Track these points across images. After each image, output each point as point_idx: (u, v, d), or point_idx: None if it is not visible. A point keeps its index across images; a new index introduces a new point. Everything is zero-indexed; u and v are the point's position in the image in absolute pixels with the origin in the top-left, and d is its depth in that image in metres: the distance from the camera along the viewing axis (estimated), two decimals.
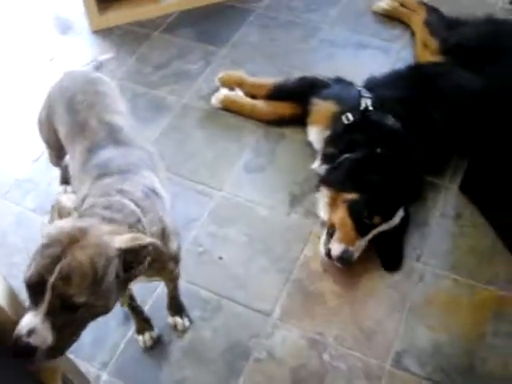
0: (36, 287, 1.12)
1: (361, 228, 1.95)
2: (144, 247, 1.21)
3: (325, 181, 2.09)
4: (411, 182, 2.05)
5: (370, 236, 1.96)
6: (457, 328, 1.88)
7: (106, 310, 1.20)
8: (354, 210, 1.96)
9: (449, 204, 2.19)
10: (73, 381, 1.49)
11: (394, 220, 1.98)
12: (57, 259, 1.12)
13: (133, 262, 1.22)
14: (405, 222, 2.05)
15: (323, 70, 2.59)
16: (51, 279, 1.11)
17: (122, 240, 1.19)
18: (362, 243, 1.96)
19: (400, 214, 1.99)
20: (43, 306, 1.11)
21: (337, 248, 1.94)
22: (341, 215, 1.98)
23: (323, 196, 2.08)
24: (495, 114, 2.06)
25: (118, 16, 2.92)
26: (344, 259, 1.93)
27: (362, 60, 2.70)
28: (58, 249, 1.14)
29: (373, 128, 2.08)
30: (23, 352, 1.10)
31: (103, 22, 2.91)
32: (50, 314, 1.11)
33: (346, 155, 2.06)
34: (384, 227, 1.97)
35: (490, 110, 2.10)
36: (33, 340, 1.09)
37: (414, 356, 1.82)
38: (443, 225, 2.14)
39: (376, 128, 2.08)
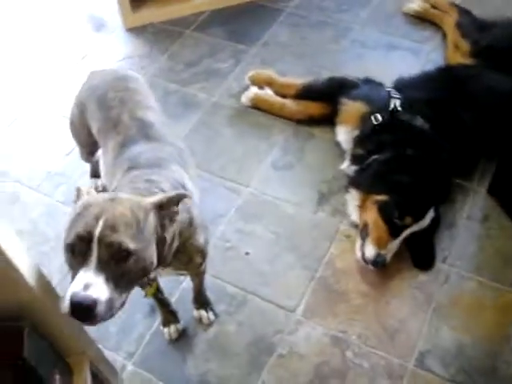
0: (82, 244, 1.13)
1: (392, 229, 1.95)
2: (172, 200, 1.26)
3: (354, 182, 2.10)
4: (440, 183, 2.05)
5: (402, 237, 1.96)
6: (480, 330, 1.87)
7: (150, 266, 1.22)
8: (384, 212, 1.96)
9: (476, 206, 2.19)
10: (100, 369, 1.53)
11: (425, 220, 1.98)
12: (98, 215, 1.16)
13: (165, 218, 1.26)
14: (436, 222, 2.05)
15: (353, 70, 2.60)
16: (97, 231, 1.13)
17: (151, 198, 1.25)
18: (394, 245, 1.96)
19: (430, 214, 1.99)
20: (93, 260, 1.12)
21: (370, 251, 1.95)
22: (372, 217, 1.99)
23: (353, 198, 2.09)
24: None
25: (151, 14, 2.97)
26: (378, 262, 1.94)
27: (391, 61, 2.70)
28: (97, 208, 1.17)
29: (401, 129, 2.09)
30: (83, 308, 1.09)
31: (136, 19, 2.96)
32: (102, 267, 1.12)
33: (375, 156, 2.07)
34: (415, 228, 1.97)
35: None
36: (91, 292, 1.09)
37: (437, 357, 1.82)
38: (470, 227, 2.13)
39: (405, 129, 2.09)
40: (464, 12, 2.72)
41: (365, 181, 2.06)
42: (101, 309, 1.10)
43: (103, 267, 1.12)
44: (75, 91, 1.89)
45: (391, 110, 2.12)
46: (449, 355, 1.82)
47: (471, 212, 2.17)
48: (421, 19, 2.88)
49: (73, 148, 2.38)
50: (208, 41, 2.87)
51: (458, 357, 1.82)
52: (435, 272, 2.02)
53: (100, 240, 1.13)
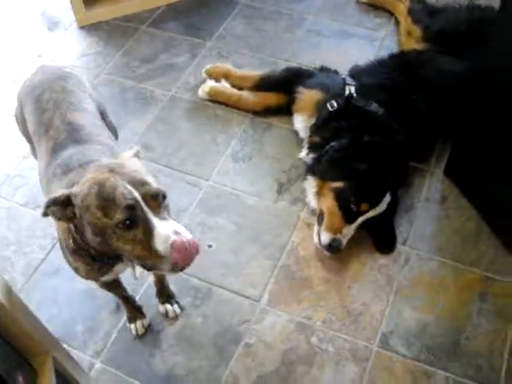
0: (133, 211, 1.22)
1: (348, 215, 1.98)
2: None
3: (311, 170, 2.12)
4: (396, 168, 2.07)
5: (357, 223, 1.99)
6: (442, 309, 1.91)
7: None
8: (341, 199, 1.99)
9: (434, 188, 2.23)
10: (66, 369, 1.52)
11: (381, 206, 2.01)
12: (121, 183, 1.24)
13: None
14: (394, 205, 2.09)
15: (309, 60, 2.63)
16: (136, 193, 1.23)
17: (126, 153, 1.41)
18: (349, 230, 1.99)
19: (387, 199, 2.01)
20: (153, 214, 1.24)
21: (325, 237, 1.98)
22: (328, 204, 2.01)
23: (310, 185, 2.12)
24: (478, 98, 2.09)
25: (104, 11, 2.94)
26: (333, 247, 1.97)
27: (347, 49, 2.73)
28: (112, 179, 1.25)
29: (356, 114, 2.12)
30: (188, 250, 1.25)
31: (90, 17, 2.93)
32: (159, 216, 1.25)
33: (332, 143, 2.09)
34: (371, 213, 2.00)
35: (473, 94, 2.12)
36: (185, 233, 1.26)
37: (401, 337, 1.85)
38: (428, 208, 2.17)
39: (359, 114, 2.11)
40: None
41: (321, 168, 2.08)
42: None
43: (160, 216, 1.25)
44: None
45: (346, 97, 2.14)
46: (412, 335, 1.86)
47: (429, 194, 2.21)
48: (373, 7, 2.92)
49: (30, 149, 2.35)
50: (163, 36, 2.85)
51: (420, 336, 1.86)
52: (395, 255, 2.05)
53: (144, 197, 1.23)
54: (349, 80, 2.21)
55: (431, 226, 2.13)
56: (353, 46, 2.74)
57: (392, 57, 2.39)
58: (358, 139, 2.05)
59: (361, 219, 1.99)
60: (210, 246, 2.09)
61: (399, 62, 2.33)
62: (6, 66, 2.82)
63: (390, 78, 2.24)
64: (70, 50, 2.84)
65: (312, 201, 2.12)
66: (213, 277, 2.01)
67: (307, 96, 2.26)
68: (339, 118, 2.13)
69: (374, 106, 2.11)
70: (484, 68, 2.20)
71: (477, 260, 2.02)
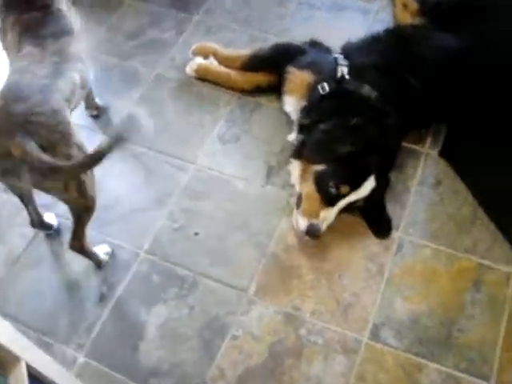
0: None
1: (327, 199, 1.91)
2: None
3: (296, 152, 2.05)
4: (383, 152, 1.99)
5: (338, 207, 1.92)
6: (435, 298, 1.86)
7: None
8: (320, 181, 1.92)
9: (428, 171, 2.15)
10: (42, 373, 1.46)
11: (364, 190, 1.93)
12: None
13: None
14: (383, 188, 2.02)
15: (300, 34, 2.50)
16: None
17: None
18: (329, 214, 1.92)
19: (370, 183, 1.93)
20: None
21: (301, 222, 1.92)
22: (308, 187, 1.95)
23: (295, 168, 2.05)
24: (475, 76, 2.00)
25: None
26: (310, 232, 1.90)
27: (340, 22, 2.61)
28: None
29: (348, 97, 2.03)
30: None
31: None
32: None
33: (321, 125, 2.00)
34: (353, 197, 1.92)
35: (470, 72, 2.03)
36: None
37: (392, 328, 1.80)
38: (422, 192, 2.10)
39: (351, 98, 2.02)
40: None
41: (306, 151, 2.01)
42: None
43: None
44: None
45: (338, 79, 2.05)
46: (403, 326, 1.81)
47: (423, 177, 2.13)
48: None
49: None
50: (149, 9, 2.72)
51: (413, 327, 1.81)
52: (388, 242, 1.99)
53: None
54: (341, 60, 2.11)
55: (425, 211, 2.06)
56: (347, 20, 2.62)
57: (387, 33, 2.27)
58: (345, 122, 1.96)
59: (342, 203, 1.92)
60: (196, 234, 2.02)
61: (394, 39, 2.22)
62: None
63: (384, 56, 2.13)
64: None
65: (297, 185, 2.05)
66: (199, 266, 1.94)
67: (298, 78, 2.16)
68: (330, 100, 2.04)
69: (366, 89, 2.02)
70: (482, 44, 2.11)
71: (472, 247, 1.95)
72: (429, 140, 2.23)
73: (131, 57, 2.54)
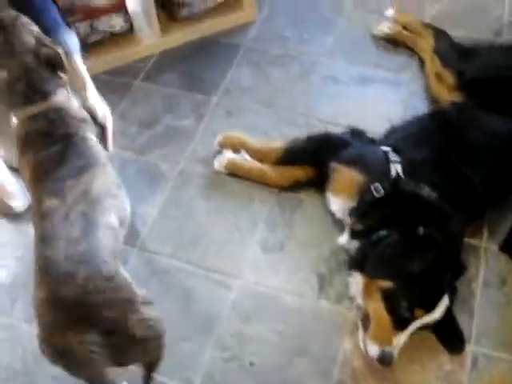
0: None
1: (399, 322, 1.72)
2: None
3: (356, 264, 1.86)
4: (453, 262, 1.82)
5: (410, 330, 1.73)
6: None
7: None
8: (390, 301, 1.73)
9: (491, 269, 1.98)
10: None
11: (438, 310, 1.74)
12: None
13: None
14: (453, 299, 1.83)
15: (329, 113, 2.35)
16: None
17: None
18: (401, 339, 1.73)
19: (445, 301, 1.75)
20: None
21: (372, 349, 1.72)
22: (375, 306, 1.75)
23: (356, 281, 1.85)
24: None
25: (90, 64, 2.58)
26: (383, 361, 1.71)
27: (369, 96, 2.44)
28: None
29: (407, 201, 1.85)
30: None
31: None
32: None
33: (381, 232, 1.82)
34: (427, 319, 1.73)
35: None
36: None
37: None
38: (488, 294, 1.93)
39: (410, 201, 1.84)
40: (440, 33, 2.48)
41: (368, 264, 1.81)
42: None
43: None
44: None
45: (394, 180, 1.87)
46: None
47: (487, 276, 1.97)
48: (392, 43, 2.62)
49: None
50: (161, 92, 2.51)
51: None
52: (462, 357, 1.81)
53: None
54: (392, 156, 1.92)
55: (494, 316, 1.89)
56: (376, 93, 2.45)
57: (432, 118, 2.11)
58: (411, 233, 1.78)
59: (415, 325, 1.73)
60: (252, 364, 1.81)
61: (442, 126, 2.04)
62: None
63: (436, 149, 1.96)
64: None
65: (359, 298, 1.85)
66: None
67: (345, 176, 1.96)
68: (386, 204, 1.86)
69: (426, 191, 1.84)
70: None
71: None
72: (485, 233, 2.07)
73: (149, 150, 2.33)
